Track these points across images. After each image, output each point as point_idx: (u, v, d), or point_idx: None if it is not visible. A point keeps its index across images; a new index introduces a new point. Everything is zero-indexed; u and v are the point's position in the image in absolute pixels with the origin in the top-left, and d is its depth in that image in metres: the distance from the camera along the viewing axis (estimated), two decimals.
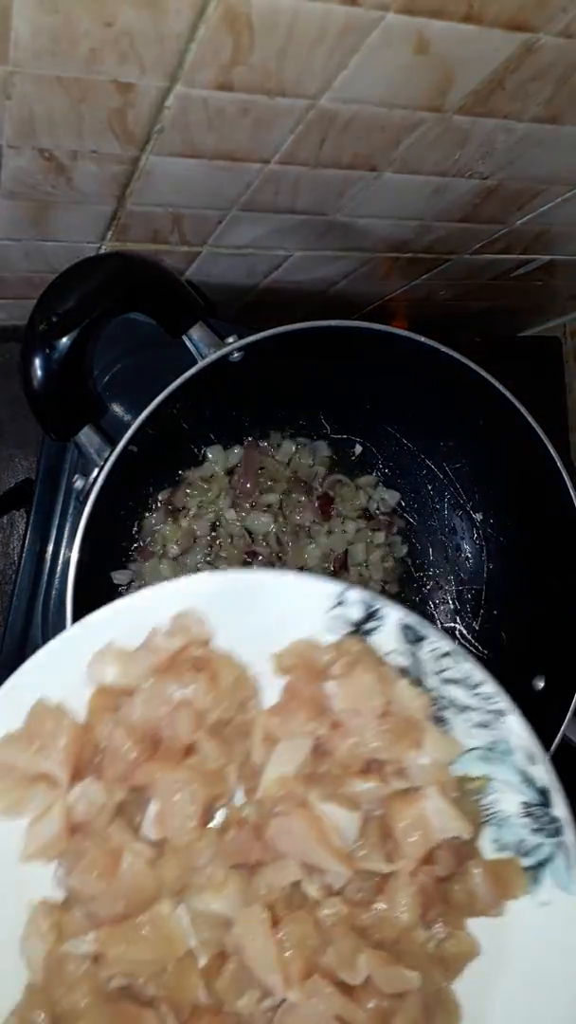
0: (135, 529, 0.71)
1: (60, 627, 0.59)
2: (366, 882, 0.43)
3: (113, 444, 0.59)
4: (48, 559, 0.67)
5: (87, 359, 0.59)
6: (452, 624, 0.78)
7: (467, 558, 0.77)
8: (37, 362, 0.57)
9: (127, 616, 0.44)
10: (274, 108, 0.44)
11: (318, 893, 0.42)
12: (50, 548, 0.67)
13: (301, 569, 0.74)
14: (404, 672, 0.46)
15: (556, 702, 0.63)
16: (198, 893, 0.41)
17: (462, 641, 0.77)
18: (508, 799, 0.46)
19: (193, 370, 0.60)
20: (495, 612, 0.75)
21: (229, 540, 0.73)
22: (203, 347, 0.62)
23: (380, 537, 0.77)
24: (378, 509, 0.78)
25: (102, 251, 0.63)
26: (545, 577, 0.70)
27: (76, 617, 0.57)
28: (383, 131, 0.48)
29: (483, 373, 0.64)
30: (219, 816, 0.43)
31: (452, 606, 0.78)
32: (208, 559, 0.72)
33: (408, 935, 0.42)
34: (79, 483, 0.61)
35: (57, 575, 0.67)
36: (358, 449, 0.78)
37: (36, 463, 0.68)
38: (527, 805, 0.46)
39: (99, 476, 0.58)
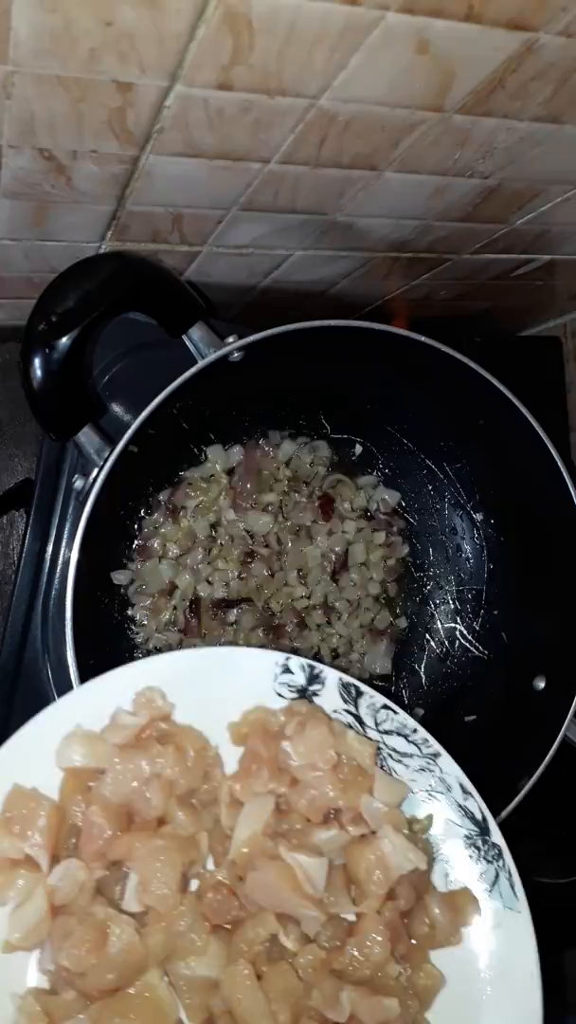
0: (135, 529, 0.71)
1: (60, 627, 0.60)
2: (337, 928, 0.45)
3: (113, 444, 0.59)
4: (48, 559, 0.67)
5: (87, 359, 0.59)
6: (452, 624, 0.78)
7: (467, 558, 0.77)
8: (37, 362, 0.57)
9: (90, 699, 0.46)
10: (274, 108, 0.44)
11: (295, 944, 0.43)
12: (50, 548, 0.67)
13: (300, 570, 0.74)
14: (349, 727, 0.49)
15: (557, 702, 0.63)
16: (182, 959, 0.42)
17: (463, 641, 0.77)
18: (452, 833, 0.50)
19: (193, 370, 0.60)
20: (495, 612, 0.75)
21: (229, 540, 0.73)
22: (203, 347, 0.62)
23: (380, 537, 0.77)
24: (378, 509, 0.78)
25: (102, 251, 0.63)
26: (546, 577, 0.70)
27: (76, 617, 0.57)
28: (383, 131, 0.48)
29: (483, 373, 0.64)
30: (193, 884, 0.45)
31: (452, 606, 0.78)
32: (208, 559, 0.72)
33: (382, 970, 0.45)
34: (79, 483, 0.61)
35: (57, 575, 0.67)
36: (358, 449, 0.78)
37: (36, 463, 0.68)
38: (468, 837, 0.50)
39: (99, 476, 0.58)
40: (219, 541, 0.73)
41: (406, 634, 0.78)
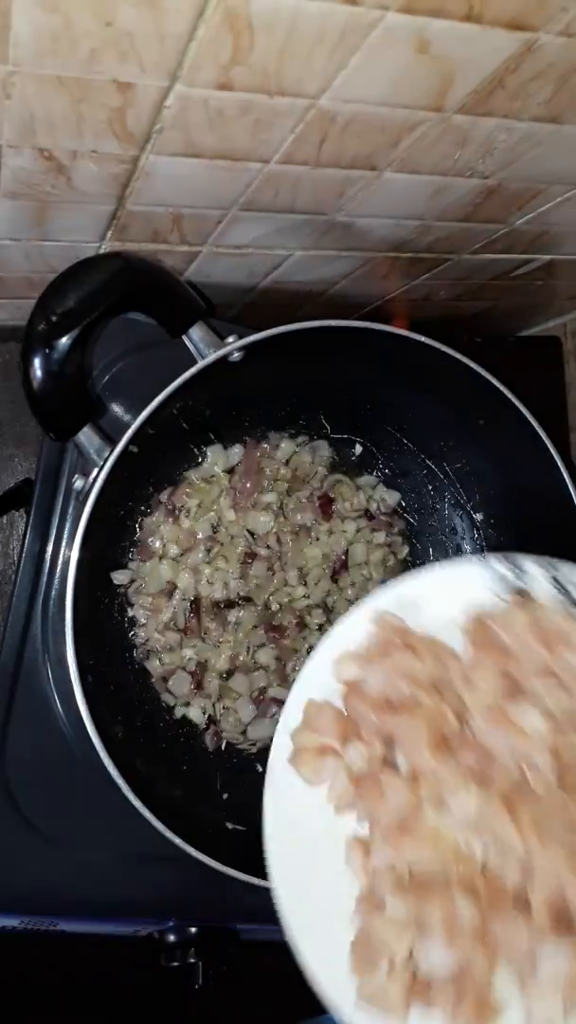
0: (135, 529, 0.71)
1: (60, 627, 0.60)
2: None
3: (113, 444, 0.59)
4: (48, 559, 0.67)
5: (87, 359, 0.59)
6: None
7: None
8: (37, 362, 0.57)
9: (347, 632, 0.55)
10: (274, 108, 0.44)
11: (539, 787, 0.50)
12: (50, 548, 0.67)
13: (300, 570, 0.74)
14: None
15: None
16: (448, 794, 0.50)
17: None
18: None
19: (193, 370, 0.60)
20: None
21: (229, 540, 0.73)
22: (203, 347, 0.62)
23: (380, 537, 0.77)
24: (378, 509, 0.78)
25: (102, 251, 0.63)
26: None
27: (76, 617, 0.57)
28: (383, 131, 0.48)
29: (483, 373, 0.64)
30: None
31: None
32: (208, 559, 0.72)
33: None
34: (79, 483, 0.61)
35: (57, 575, 0.67)
36: (358, 449, 0.78)
37: (36, 463, 0.68)
38: None
39: (99, 476, 0.58)
40: (219, 541, 0.73)
41: None
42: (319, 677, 0.55)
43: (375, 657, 0.54)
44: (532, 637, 0.53)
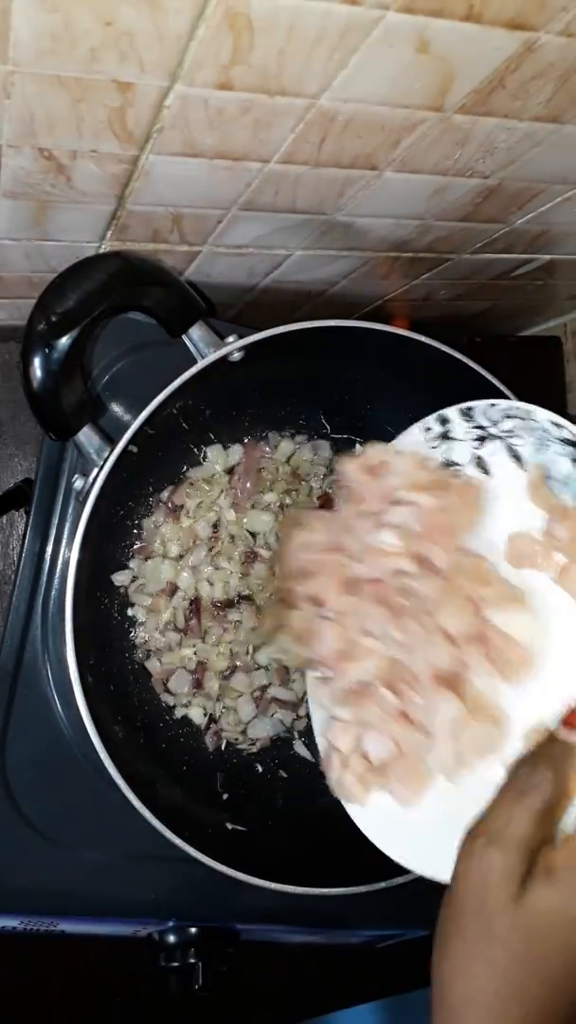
0: (135, 529, 0.71)
1: (60, 627, 0.60)
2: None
3: (113, 444, 0.59)
4: (48, 559, 0.67)
5: (87, 359, 0.59)
6: None
7: None
8: (37, 362, 0.57)
9: None
10: (274, 107, 0.44)
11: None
12: (50, 548, 0.67)
13: None
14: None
15: None
16: (369, 623, 0.58)
17: None
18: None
19: (193, 370, 0.60)
20: None
21: (230, 540, 0.73)
22: (203, 347, 0.62)
23: None
24: None
25: (102, 251, 0.63)
26: None
27: (76, 617, 0.57)
28: (383, 130, 0.48)
29: (483, 373, 0.64)
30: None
31: None
32: (209, 559, 0.72)
33: None
34: (79, 483, 0.61)
35: (56, 575, 0.67)
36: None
37: (36, 463, 0.68)
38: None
39: (99, 476, 0.58)
40: (220, 541, 0.73)
41: None
42: None
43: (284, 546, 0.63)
44: (366, 476, 0.60)
